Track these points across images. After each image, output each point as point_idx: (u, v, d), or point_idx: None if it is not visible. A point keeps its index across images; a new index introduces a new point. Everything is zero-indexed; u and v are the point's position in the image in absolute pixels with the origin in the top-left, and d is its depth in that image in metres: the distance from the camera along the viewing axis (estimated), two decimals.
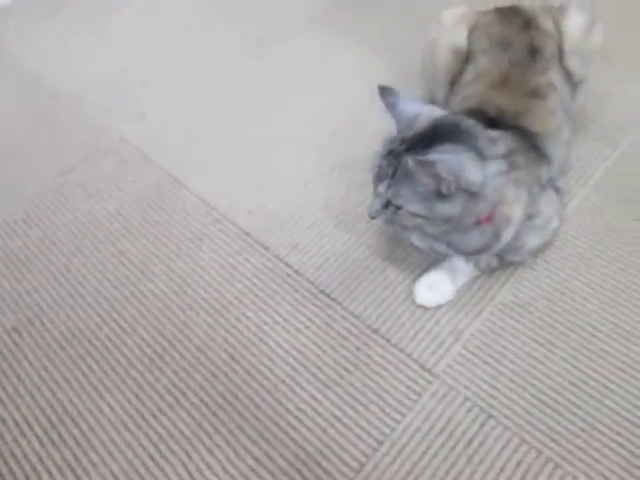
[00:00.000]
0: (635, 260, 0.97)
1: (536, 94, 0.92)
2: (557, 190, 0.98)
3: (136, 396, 0.89)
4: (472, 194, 0.77)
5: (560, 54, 0.98)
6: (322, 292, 0.99)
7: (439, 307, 0.95)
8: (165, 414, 0.87)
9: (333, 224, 1.09)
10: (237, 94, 1.39)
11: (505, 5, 1.03)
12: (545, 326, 0.91)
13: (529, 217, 0.90)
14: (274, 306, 0.98)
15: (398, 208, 0.80)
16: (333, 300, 0.98)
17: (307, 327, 0.95)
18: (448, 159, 0.74)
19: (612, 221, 1.02)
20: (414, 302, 0.95)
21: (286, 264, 1.04)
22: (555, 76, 0.95)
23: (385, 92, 0.82)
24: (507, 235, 0.88)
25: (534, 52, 0.93)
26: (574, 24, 0.98)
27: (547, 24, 0.98)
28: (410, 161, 0.72)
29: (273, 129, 1.29)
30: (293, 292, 1.00)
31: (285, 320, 0.96)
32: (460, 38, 1.02)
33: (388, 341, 0.92)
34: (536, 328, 0.91)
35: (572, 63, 0.99)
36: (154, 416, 0.86)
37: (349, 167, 1.17)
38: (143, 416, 0.86)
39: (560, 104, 0.95)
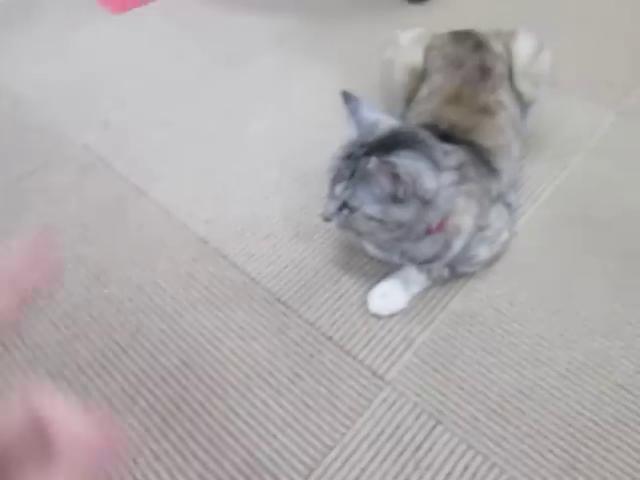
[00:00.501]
0: (581, 272, 1.00)
1: (486, 111, 0.96)
2: (508, 205, 1.02)
3: (83, 401, 0.87)
4: (425, 202, 0.80)
5: (510, 76, 1.03)
6: (278, 300, 1.00)
7: (392, 315, 0.96)
8: (112, 420, 0.85)
9: (291, 235, 1.10)
10: (201, 109, 1.40)
11: (459, 29, 1.08)
12: (494, 335, 0.93)
13: (479, 229, 0.93)
14: (229, 313, 0.98)
15: (353, 210, 0.81)
16: (288, 308, 0.99)
17: (261, 334, 0.95)
18: (408, 164, 0.77)
19: (561, 236, 1.06)
20: (368, 310, 0.97)
21: (242, 272, 1.04)
22: (505, 95, 0.99)
23: (348, 98, 0.86)
24: (457, 245, 0.90)
25: (484, 72, 0.98)
26: (523, 48, 1.04)
27: (497, 47, 1.03)
28: (373, 161, 0.74)
29: (235, 143, 1.30)
30: (249, 300, 1.00)
31: (240, 327, 0.96)
32: (416, 57, 1.06)
33: (341, 348, 0.93)
34: (485, 337, 0.93)
35: (522, 85, 1.04)
36: None
37: (308, 181, 1.19)
38: None
39: (510, 122, 0.99)
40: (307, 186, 1.19)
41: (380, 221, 0.81)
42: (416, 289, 0.98)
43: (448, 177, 0.83)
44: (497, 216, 0.98)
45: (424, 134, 0.83)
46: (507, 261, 1.03)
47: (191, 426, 0.84)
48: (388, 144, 0.81)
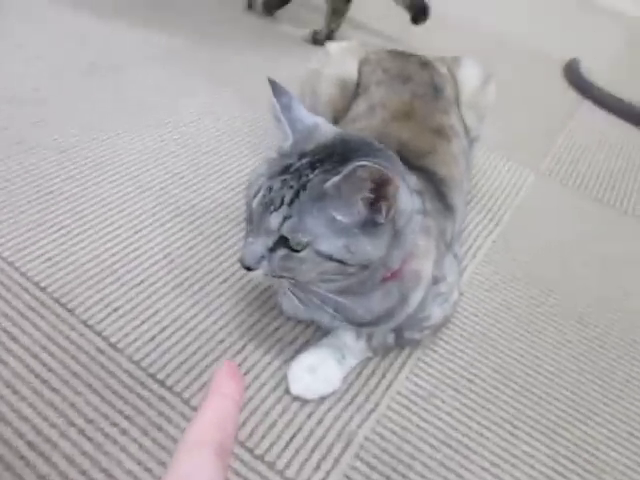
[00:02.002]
0: (539, 340, 0.82)
1: (441, 133, 0.77)
2: (455, 256, 0.82)
3: None
4: (396, 230, 0.56)
5: (457, 104, 0.87)
6: (155, 379, 0.66)
7: (322, 399, 0.68)
8: None
9: (172, 284, 0.78)
10: (56, 119, 1.05)
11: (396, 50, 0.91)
12: (456, 424, 0.69)
13: (435, 281, 0.71)
14: (74, 401, 0.62)
15: (298, 248, 0.54)
16: (171, 392, 0.66)
17: (125, 432, 0.60)
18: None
19: (508, 298, 0.89)
20: (287, 392, 0.67)
21: (98, 334, 0.69)
22: (456, 121, 0.82)
23: (278, 90, 0.60)
24: (415, 299, 0.67)
25: (437, 90, 0.81)
26: (469, 76, 0.89)
27: (443, 69, 0.87)
28: (357, 166, 0.49)
29: (98, 160, 0.97)
30: (107, 376, 0.65)
31: (89, 421, 0.61)
32: (349, 69, 0.86)
33: (251, 453, 0.61)
34: (446, 427, 0.68)
35: (467, 117, 0.88)
36: None
37: (195, 216, 0.90)
38: None
39: (462, 152, 0.81)
40: (193, 222, 0.89)
41: (339, 262, 0.54)
42: (353, 361, 0.71)
43: (417, 201, 0.61)
44: (450, 267, 0.77)
45: (379, 144, 0.60)
46: (457, 327, 0.82)
47: None
48: (341, 153, 0.56)
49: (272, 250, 0.56)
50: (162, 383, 0.66)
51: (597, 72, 1.67)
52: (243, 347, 0.72)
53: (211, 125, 1.12)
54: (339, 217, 0.53)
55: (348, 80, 0.85)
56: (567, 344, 0.83)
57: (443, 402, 0.71)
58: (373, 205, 0.52)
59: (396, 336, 0.73)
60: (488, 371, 0.76)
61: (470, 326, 0.82)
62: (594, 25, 2.21)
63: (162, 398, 0.65)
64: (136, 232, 0.85)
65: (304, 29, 1.58)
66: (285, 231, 0.53)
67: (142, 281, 0.77)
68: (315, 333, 0.76)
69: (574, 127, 1.42)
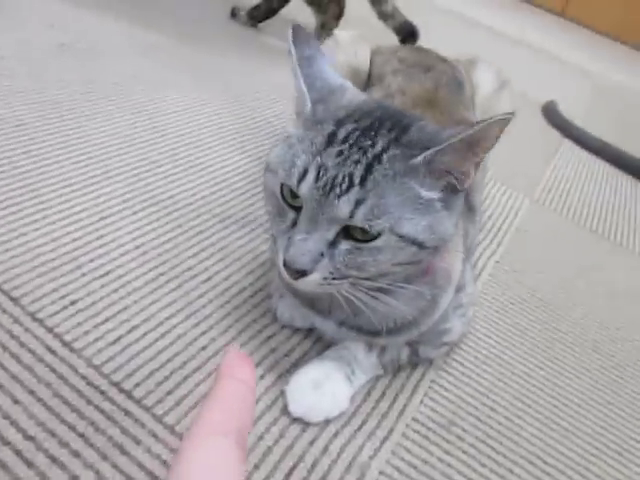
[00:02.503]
0: (556, 366, 0.73)
1: None
2: (472, 266, 0.73)
3: None
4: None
5: (473, 106, 0.80)
6: (119, 388, 0.53)
7: (327, 422, 0.56)
8: None
9: (145, 278, 0.65)
10: (30, 99, 0.91)
11: None
12: (482, 457, 0.58)
13: (457, 289, 0.61)
14: (10, 412, 0.48)
15: (365, 240, 0.44)
16: (140, 406, 0.52)
17: (78, 455, 0.46)
18: None
19: (520, 321, 0.80)
20: (286, 413, 0.55)
21: (49, 330, 0.55)
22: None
23: (301, 38, 0.50)
24: (443, 303, 0.57)
25: (459, 84, 0.73)
26: (485, 79, 0.83)
27: (461, 67, 0.80)
28: (491, 122, 0.41)
29: (63, 142, 0.83)
30: (57, 382, 0.51)
31: (28, 438, 0.46)
32: (362, 57, 0.78)
33: None
34: (472, 461, 0.57)
35: None
36: None
37: (174, 207, 0.78)
38: None
39: None
40: (172, 213, 0.77)
41: (420, 245, 0.44)
42: (363, 379, 0.60)
43: None
44: (470, 276, 0.68)
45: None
46: (470, 349, 0.72)
47: None
48: (388, 120, 0.46)
49: (333, 245, 0.44)
50: (128, 394, 0.52)
51: (567, 116, 1.68)
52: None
53: (193, 118, 1.01)
54: (424, 193, 0.43)
55: (360, 69, 0.77)
56: (587, 373, 0.74)
57: (465, 431, 0.60)
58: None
59: (411, 352, 0.63)
60: (510, 398, 0.66)
61: (484, 348, 0.73)
62: (562, 74, 2.28)
63: (128, 413, 0.51)
64: (102, 218, 0.71)
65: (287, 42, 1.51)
66: (359, 219, 0.42)
67: (108, 272, 0.64)
68: (315, 345, 0.64)
69: (559, 162, 1.40)
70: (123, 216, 0.73)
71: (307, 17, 1.48)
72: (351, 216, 0.43)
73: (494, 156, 0.82)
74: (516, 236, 1.01)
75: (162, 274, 0.67)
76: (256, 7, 1.57)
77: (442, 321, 0.60)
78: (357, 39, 0.80)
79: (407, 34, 1.52)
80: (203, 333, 0.61)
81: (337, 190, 0.43)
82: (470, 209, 0.68)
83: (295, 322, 0.64)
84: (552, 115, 1.67)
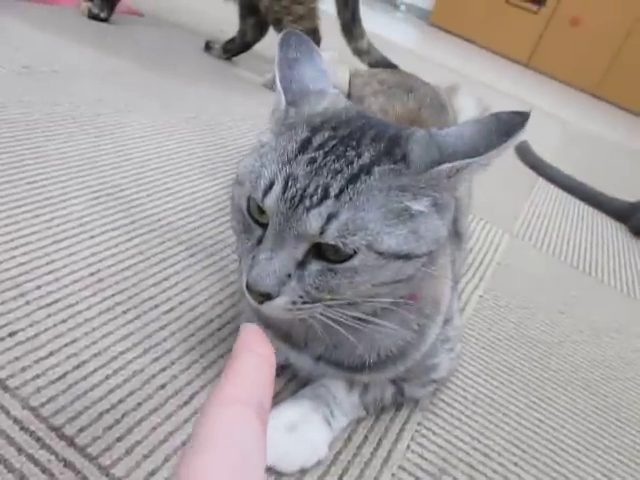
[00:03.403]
0: (549, 407, 0.68)
1: None
2: (458, 297, 0.68)
3: None
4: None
5: None
6: (60, 434, 0.45)
7: (303, 471, 0.48)
8: None
9: (99, 308, 0.58)
10: None
11: None
12: None
13: (445, 320, 0.56)
14: None
15: (338, 260, 0.38)
16: (84, 455, 0.44)
17: None
18: None
19: (509, 359, 0.75)
20: None
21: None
22: None
23: (291, 40, 0.47)
24: (431, 335, 0.52)
25: (442, 107, 0.70)
26: (466, 105, 0.81)
27: (441, 91, 0.78)
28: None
29: (19, 162, 0.77)
30: (4, 445, 0.43)
31: None
32: (340, 78, 0.75)
33: None
34: None
35: None
36: None
37: (136, 233, 0.71)
38: None
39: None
40: (133, 239, 0.70)
41: (406, 257, 0.39)
42: (344, 421, 0.53)
43: None
44: (457, 309, 0.63)
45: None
46: (456, 387, 0.66)
47: None
48: (369, 130, 0.42)
49: (302, 265, 0.39)
50: (70, 441, 0.45)
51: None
52: (192, 396, 0.52)
53: (161, 144, 0.96)
54: (415, 206, 0.39)
55: (339, 89, 0.73)
56: (581, 414, 0.69)
57: None
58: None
59: (396, 391, 0.56)
60: (503, 442, 0.60)
61: (473, 387, 0.67)
62: (532, 119, 2.32)
63: (68, 464, 0.43)
64: (55, 242, 0.64)
65: (262, 76, 1.49)
66: (331, 235, 0.37)
67: (56, 300, 0.57)
68: (289, 383, 0.57)
69: (535, 199, 1.39)
70: (79, 240, 0.66)
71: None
72: (322, 232, 0.37)
73: (473, 190, 0.80)
74: (498, 270, 0.97)
75: (119, 303, 0.59)
76: (230, 41, 1.56)
77: (430, 356, 0.54)
78: (336, 60, 0.77)
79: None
80: (163, 369, 0.54)
81: (307, 202, 0.37)
82: (457, 235, 0.63)
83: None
84: (526, 154, 1.68)
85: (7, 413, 0.45)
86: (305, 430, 0.49)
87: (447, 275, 0.54)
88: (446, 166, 0.38)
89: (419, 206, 0.40)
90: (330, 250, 0.39)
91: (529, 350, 0.78)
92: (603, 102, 3.68)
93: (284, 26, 1.40)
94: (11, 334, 0.51)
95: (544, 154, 1.66)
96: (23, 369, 0.49)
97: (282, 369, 0.58)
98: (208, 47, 1.57)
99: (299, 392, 0.54)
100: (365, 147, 0.40)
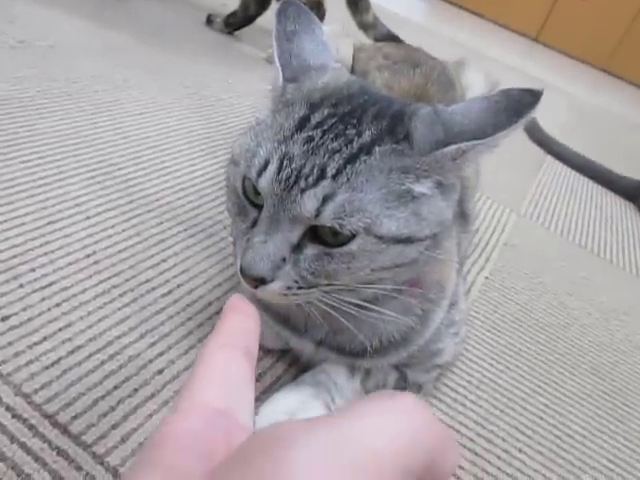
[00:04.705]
0: (555, 390, 0.67)
1: None
2: (464, 279, 0.67)
3: None
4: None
5: None
6: (53, 422, 0.44)
7: None
8: None
9: (94, 291, 0.57)
10: None
11: None
12: None
13: (450, 304, 0.55)
14: None
15: (336, 244, 0.36)
16: (78, 443, 0.43)
17: None
18: None
19: (514, 342, 0.73)
20: None
21: None
22: None
23: (289, 11, 0.45)
24: (435, 321, 0.50)
25: (450, 81, 0.68)
26: (475, 79, 0.78)
27: (449, 66, 0.75)
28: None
29: (13, 140, 0.75)
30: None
31: None
32: (344, 52, 0.72)
33: None
34: None
35: None
36: None
37: (133, 213, 0.70)
38: None
39: None
40: (130, 219, 0.68)
41: (407, 240, 0.37)
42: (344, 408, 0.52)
43: None
44: (463, 291, 0.61)
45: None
46: (461, 371, 0.65)
47: None
48: (372, 106, 0.40)
49: (297, 249, 0.38)
50: (63, 429, 0.44)
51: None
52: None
53: (160, 121, 0.93)
54: (417, 188, 0.37)
55: (342, 63, 0.71)
56: (588, 399, 0.68)
57: (461, 468, 0.53)
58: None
59: (399, 376, 0.55)
60: (507, 428, 0.59)
61: (478, 371, 0.66)
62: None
63: (61, 452, 0.42)
64: (50, 222, 0.63)
65: (264, 51, 1.45)
66: (327, 218, 0.35)
67: (51, 283, 0.55)
68: (289, 368, 0.56)
69: (544, 178, 1.36)
70: (74, 221, 0.64)
71: None
72: (317, 214, 0.36)
73: (481, 168, 0.77)
74: (504, 251, 0.95)
75: (115, 286, 0.58)
76: (232, 14, 1.51)
77: (434, 341, 0.53)
78: (339, 34, 0.74)
79: None
80: (160, 354, 0.53)
81: (302, 183, 0.36)
82: (463, 216, 0.61)
83: (267, 342, 0.56)
84: (534, 132, 1.64)
85: None
86: (305, 418, 0.48)
87: (453, 258, 0.52)
88: (451, 148, 0.36)
89: (422, 188, 0.38)
90: (327, 233, 0.37)
91: (535, 333, 0.77)
92: (614, 77, 3.60)
93: None
94: (4, 318, 0.50)
95: (553, 130, 1.62)
96: (16, 354, 0.48)
97: (283, 353, 0.57)
98: (209, 21, 1.53)
99: (300, 377, 0.52)
100: (366, 125, 0.38)
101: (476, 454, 0.55)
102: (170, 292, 0.60)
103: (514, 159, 1.39)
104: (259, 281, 0.38)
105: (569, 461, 0.58)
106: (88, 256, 0.60)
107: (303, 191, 0.36)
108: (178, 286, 0.61)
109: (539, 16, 3.82)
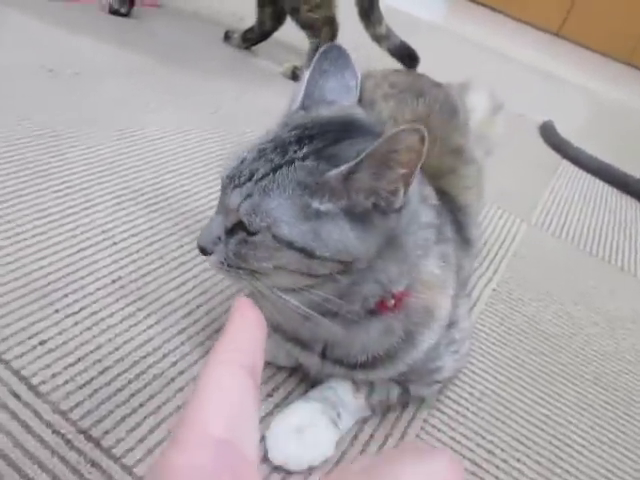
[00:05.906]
0: (559, 403, 0.70)
1: (461, 155, 0.67)
2: (468, 298, 0.70)
3: None
4: (391, 234, 0.45)
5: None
6: (87, 436, 0.49)
7: (310, 470, 0.52)
8: None
9: (121, 314, 0.62)
10: (4, 118, 0.89)
11: None
12: None
13: (450, 324, 0.58)
14: None
15: (252, 233, 0.44)
16: (109, 455, 0.48)
17: None
18: None
19: (519, 354, 0.76)
20: (266, 460, 0.51)
21: (15, 373, 0.52)
22: (474, 148, 0.72)
23: (330, 53, 0.51)
24: (424, 341, 0.54)
25: (453, 110, 0.71)
26: (479, 103, 0.81)
27: (454, 93, 0.78)
28: (392, 135, 0.40)
29: (44, 170, 0.81)
30: (19, 431, 0.47)
31: None
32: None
33: None
34: None
35: (475, 149, 0.79)
36: None
37: (155, 237, 0.75)
38: None
39: (479, 180, 0.71)
40: (153, 244, 0.74)
41: (303, 251, 0.43)
42: (350, 422, 0.56)
43: (428, 214, 0.50)
44: (466, 311, 0.65)
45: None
46: (464, 384, 0.68)
47: None
48: (333, 131, 0.46)
49: (230, 233, 0.46)
50: (96, 443, 0.49)
51: (565, 135, 1.66)
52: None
53: (180, 144, 0.99)
54: (317, 205, 0.43)
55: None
56: (589, 409, 0.71)
57: None
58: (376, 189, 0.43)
59: (401, 391, 0.59)
60: (508, 439, 0.63)
61: (480, 384, 0.69)
62: (560, 94, 2.27)
63: (95, 464, 0.47)
64: (80, 250, 0.69)
65: (281, 65, 1.50)
66: (242, 212, 0.44)
67: (82, 309, 0.61)
68: (300, 384, 0.60)
69: (557, 183, 1.37)
70: (101, 247, 0.70)
71: (301, 40, 1.47)
72: (238, 209, 0.44)
73: (489, 177, 0.80)
74: (513, 262, 0.97)
75: (140, 309, 0.63)
76: (249, 30, 1.56)
77: (432, 359, 0.57)
78: None
79: (405, 56, 1.51)
80: (181, 373, 0.58)
81: (236, 181, 0.44)
82: (465, 242, 0.65)
83: (279, 360, 0.60)
84: (550, 135, 1.65)
85: (40, 417, 0.49)
86: (312, 432, 0.52)
87: (446, 286, 0.55)
88: (334, 172, 0.42)
89: (322, 207, 0.43)
90: (245, 224, 0.44)
91: (540, 344, 0.80)
92: (636, 70, 3.54)
93: (301, 15, 1.41)
94: (42, 342, 0.56)
95: (572, 127, 1.62)
96: (53, 375, 0.53)
97: (294, 370, 0.61)
98: (227, 37, 1.58)
99: (308, 393, 0.57)
100: (309, 144, 0.45)
101: (475, 464, 0.58)
102: (190, 313, 0.65)
103: (529, 164, 1.40)
104: (202, 251, 0.47)
105: (565, 470, 0.61)
106: (114, 281, 0.66)
107: (234, 188, 0.44)
108: (197, 307, 0.66)
109: (561, 10, 3.77)
